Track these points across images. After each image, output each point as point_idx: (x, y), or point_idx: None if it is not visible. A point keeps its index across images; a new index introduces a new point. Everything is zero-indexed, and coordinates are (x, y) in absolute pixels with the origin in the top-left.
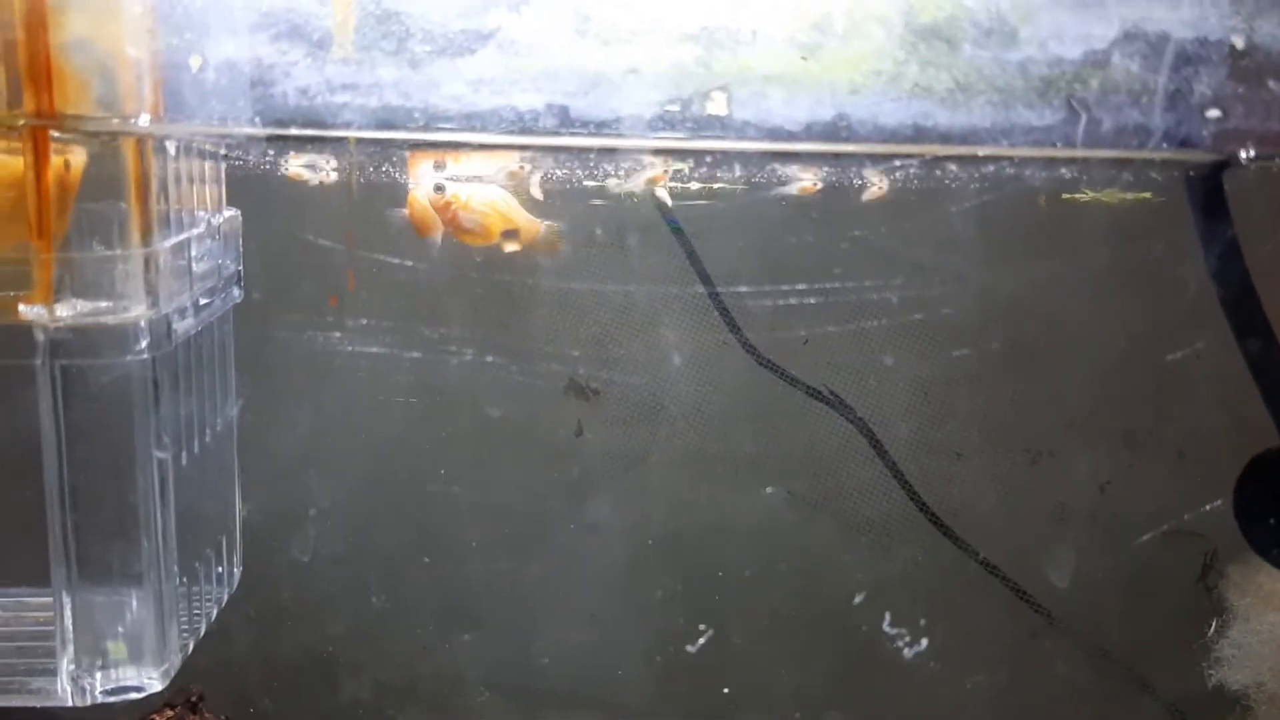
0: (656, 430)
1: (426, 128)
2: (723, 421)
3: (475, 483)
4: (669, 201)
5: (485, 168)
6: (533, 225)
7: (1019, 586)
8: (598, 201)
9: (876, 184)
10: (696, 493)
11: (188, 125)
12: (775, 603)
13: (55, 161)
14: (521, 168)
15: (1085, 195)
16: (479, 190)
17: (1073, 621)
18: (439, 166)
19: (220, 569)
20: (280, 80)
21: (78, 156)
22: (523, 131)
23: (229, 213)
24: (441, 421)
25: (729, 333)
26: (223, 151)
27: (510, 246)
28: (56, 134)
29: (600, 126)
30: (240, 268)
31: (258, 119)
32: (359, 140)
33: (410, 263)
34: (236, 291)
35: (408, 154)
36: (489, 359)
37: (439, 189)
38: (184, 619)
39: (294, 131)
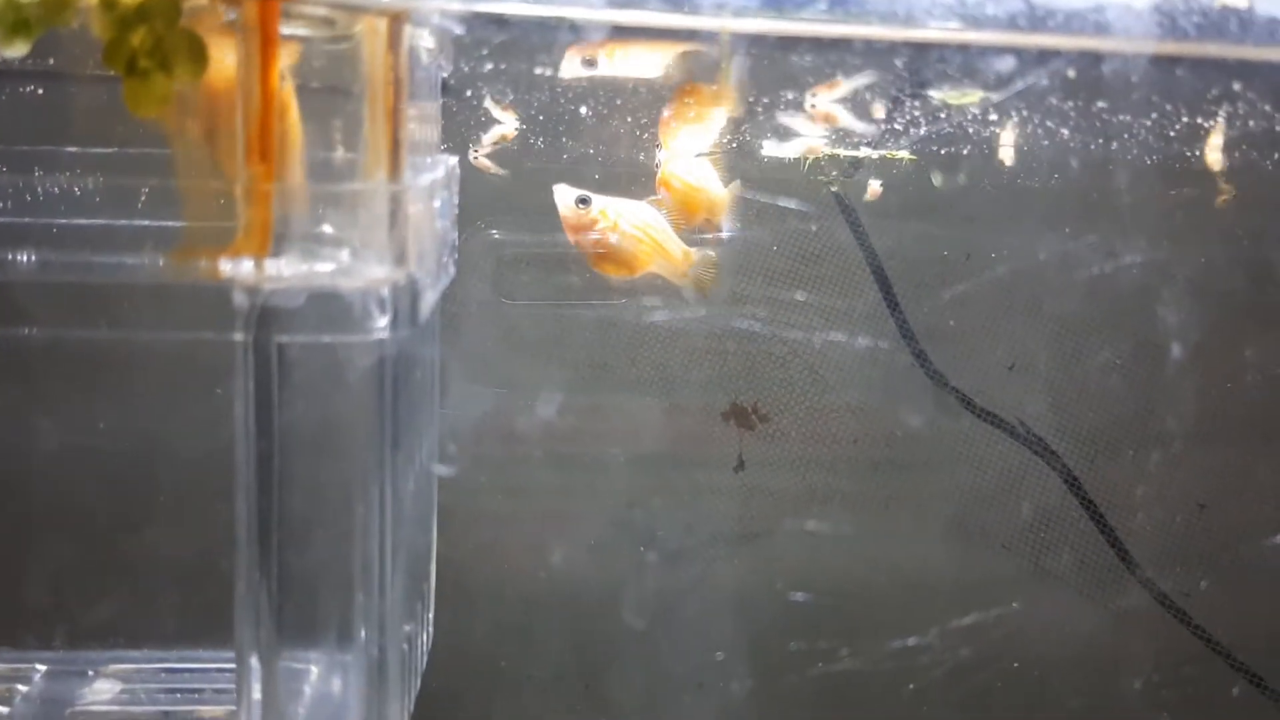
0: (824, 466)
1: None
2: (899, 458)
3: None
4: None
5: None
6: (687, 257)
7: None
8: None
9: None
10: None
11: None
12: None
13: None
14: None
15: None
16: (631, 210)
17: None
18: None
19: (424, 626)
20: None
21: None
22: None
23: (450, 159)
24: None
25: (910, 353)
26: (444, 71)
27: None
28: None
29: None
30: (456, 236)
31: None
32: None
33: None
34: (452, 268)
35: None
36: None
37: (583, 202)
38: (406, 693)
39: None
